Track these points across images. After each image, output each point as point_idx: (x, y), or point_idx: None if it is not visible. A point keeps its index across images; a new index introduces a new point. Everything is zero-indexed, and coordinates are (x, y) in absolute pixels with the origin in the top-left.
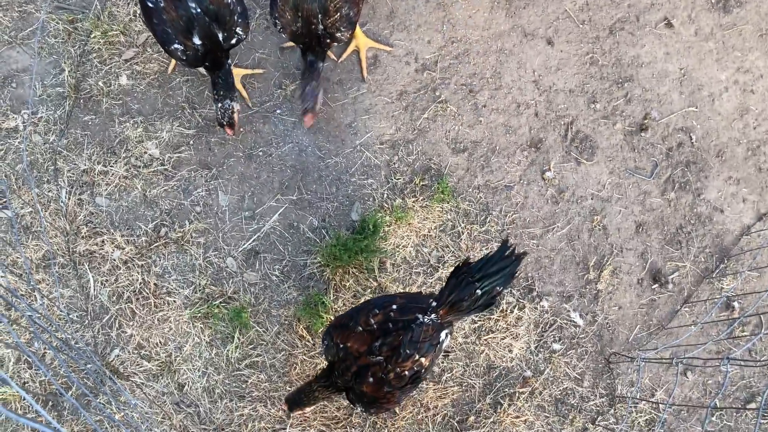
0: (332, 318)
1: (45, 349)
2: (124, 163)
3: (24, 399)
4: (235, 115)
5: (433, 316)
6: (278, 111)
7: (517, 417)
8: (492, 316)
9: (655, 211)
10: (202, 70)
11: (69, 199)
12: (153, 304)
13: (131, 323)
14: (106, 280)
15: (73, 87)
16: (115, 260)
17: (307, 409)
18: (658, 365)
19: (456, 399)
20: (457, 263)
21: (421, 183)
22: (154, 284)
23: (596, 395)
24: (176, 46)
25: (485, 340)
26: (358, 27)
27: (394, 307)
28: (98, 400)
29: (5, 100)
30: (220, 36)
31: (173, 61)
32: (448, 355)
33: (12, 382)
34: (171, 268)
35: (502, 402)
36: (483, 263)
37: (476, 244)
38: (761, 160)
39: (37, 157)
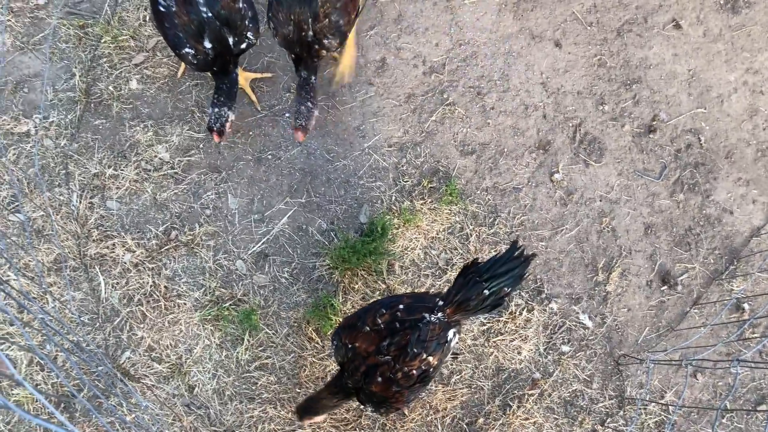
0: (341, 320)
1: (57, 351)
2: (134, 166)
3: (37, 400)
4: (228, 124)
5: (440, 315)
6: (287, 114)
7: (526, 419)
8: (501, 319)
9: (663, 212)
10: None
11: (80, 202)
12: (163, 306)
13: (142, 326)
14: (117, 283)
15: (84, 91)
16: (125, 263)
17: (317, 419)
18: (668, 367)
19: (465, 401)
20: (465, 263)
21: (429, 185)
22: (165, 287)
23: (605, 397)
24: (187, 50)
25: (494, 342)
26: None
27: (401, 306)
28: (109, 402)
29: (17, 105)
30: (231, 40)
31: (183, 65)
32: (457, 357)
33: (26, 383)
34: (181, 270)
35: (511, 404)
36: (492, 263)
37: (485, 246)
38: None
39: (48, 161)
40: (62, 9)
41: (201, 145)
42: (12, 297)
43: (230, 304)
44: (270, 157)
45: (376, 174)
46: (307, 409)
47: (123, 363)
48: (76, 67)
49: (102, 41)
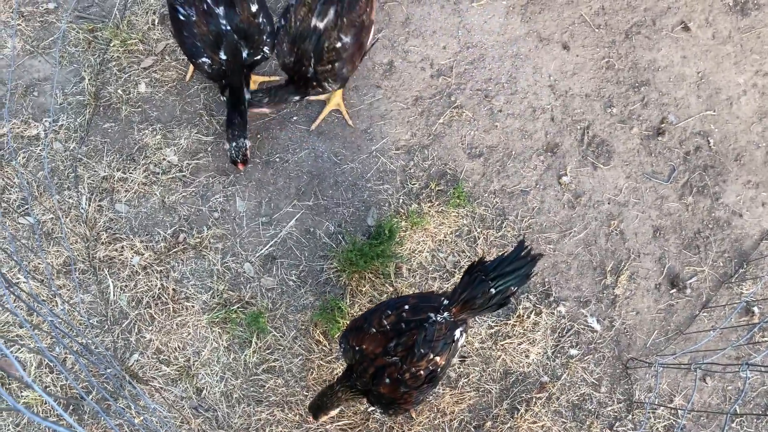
0: (348, 323)
1: (66, 353)
2: (143, 169)
3: (46, 402)
4: (248, 152)
5: (445, 314)
6: (294, 118)
7: (534, 422)
8: (509, 322)
9: (672, 215)
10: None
11: (89, 205)
12: (172, 309)
13: (150, 328)
14: (126, 286)
15: (93, 95)
16: (134, 266)
17: (332, 413)
18: (677, 371)
19: (473, 404)
20: (471, 261)
21: (437, 188)
22: (173, 289)
23: (614, 401)
24: (204, 59)
25: (502, 345)
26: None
27: (407, 307)
28: (118, 404)
29: (27, 109)
30: (245, 53)
31: (191, 69)
32: (465, 360)
33: (35, 385)
34: (189, 273)
35: (519, 407)
36: (498, 262)
37: (492, 249)
38: None
39: (57, 165)
40: (72, 13)
41: (209, 148)
42: (22, 299)
43: (238, 307)
44: (278, 160)
45: (384, 177)
46: (320, 406)
47: (131, 365)
48: (85, 71)
49: (111, 45)
